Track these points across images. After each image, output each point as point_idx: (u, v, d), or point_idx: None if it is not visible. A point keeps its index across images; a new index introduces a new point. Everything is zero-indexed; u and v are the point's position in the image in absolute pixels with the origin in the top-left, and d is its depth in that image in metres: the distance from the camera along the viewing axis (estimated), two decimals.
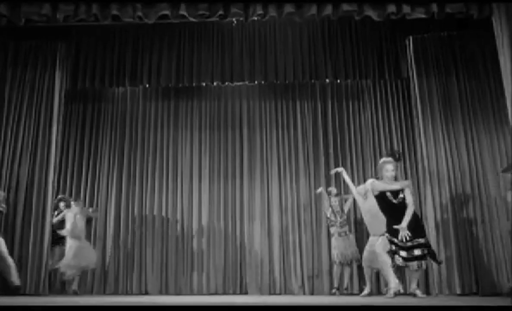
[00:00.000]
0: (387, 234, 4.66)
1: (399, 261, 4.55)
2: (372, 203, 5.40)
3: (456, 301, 4.15)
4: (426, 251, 4.58)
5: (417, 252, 4.54)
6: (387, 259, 4.64)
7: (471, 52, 6.16)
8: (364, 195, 5.58)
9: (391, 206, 4.68)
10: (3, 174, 6.02)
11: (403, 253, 4.55)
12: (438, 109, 6.11)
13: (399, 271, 5.39)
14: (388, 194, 4.69)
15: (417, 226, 4.64)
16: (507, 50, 4.89)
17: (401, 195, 4.67)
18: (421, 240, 4.59)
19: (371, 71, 6.83)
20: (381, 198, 4.76)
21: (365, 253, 5.55)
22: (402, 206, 4.65)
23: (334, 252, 6.15)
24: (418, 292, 4.75)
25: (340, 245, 6.11)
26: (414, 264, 4.55)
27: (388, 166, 4.77)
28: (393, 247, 4.59)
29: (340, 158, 7.10)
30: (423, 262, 4.57)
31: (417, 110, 6.27)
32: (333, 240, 6.21)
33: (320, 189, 6.48)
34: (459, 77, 6.17)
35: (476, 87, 6.06)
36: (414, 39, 6.40)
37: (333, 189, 6.39)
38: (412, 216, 4.63)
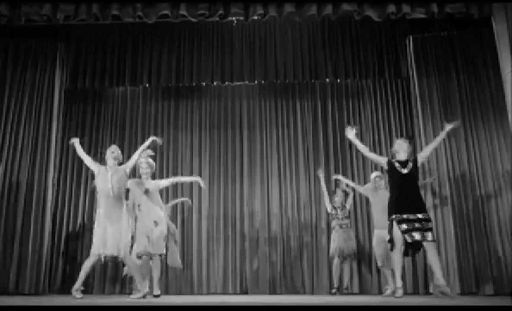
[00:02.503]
0: (394, 216, 4.54)
1: (409, 239, 4.44)
2: (383, 196, 5.37)
3: (456, 301, 4.14)
4: (428, 226, 4.50)
5: (417, 224, 4.48)
6: (400, 259, 4.60)
7: (471, 52, 6.15)
8: (373, 189, 5.67)
9: (400, 179, 4.61)
10: (3, 174, 6.02)
11: (407, 226, 4.48)
12: (438, 109, 6.13)
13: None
14: (397, 164, 4.66)
15: (419, 201, 4.63)
16: (507, 49, 4.89)
17: (410, 164, 4.65)
18: (425, 215, 4.56)
19: (371, 71, 6.84)
20: (390, 171, 4.72)
21: (378, 251, 5.51)
22: (412, 178, 4.60)
23: (333, 245, 6.16)
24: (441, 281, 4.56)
25: (340, 237, 6.11)
26: (416, 235, 4.44)
27: (400, 141, 4.87)
28: (403, 226, 4.47)
29: (340, 157, 7.10)
30: (429, 233, 4.46)
31: (417, 109, 6.28)
32: (333, 233, 6.22)
33: (320, 172, 6.57)
34: (459, 77, 6.17)
35: (476, 87, 6.06)
36: (414, 39, 6.42)
37: (341, 183, 6.43)
38: (416, 191, 4.61)
